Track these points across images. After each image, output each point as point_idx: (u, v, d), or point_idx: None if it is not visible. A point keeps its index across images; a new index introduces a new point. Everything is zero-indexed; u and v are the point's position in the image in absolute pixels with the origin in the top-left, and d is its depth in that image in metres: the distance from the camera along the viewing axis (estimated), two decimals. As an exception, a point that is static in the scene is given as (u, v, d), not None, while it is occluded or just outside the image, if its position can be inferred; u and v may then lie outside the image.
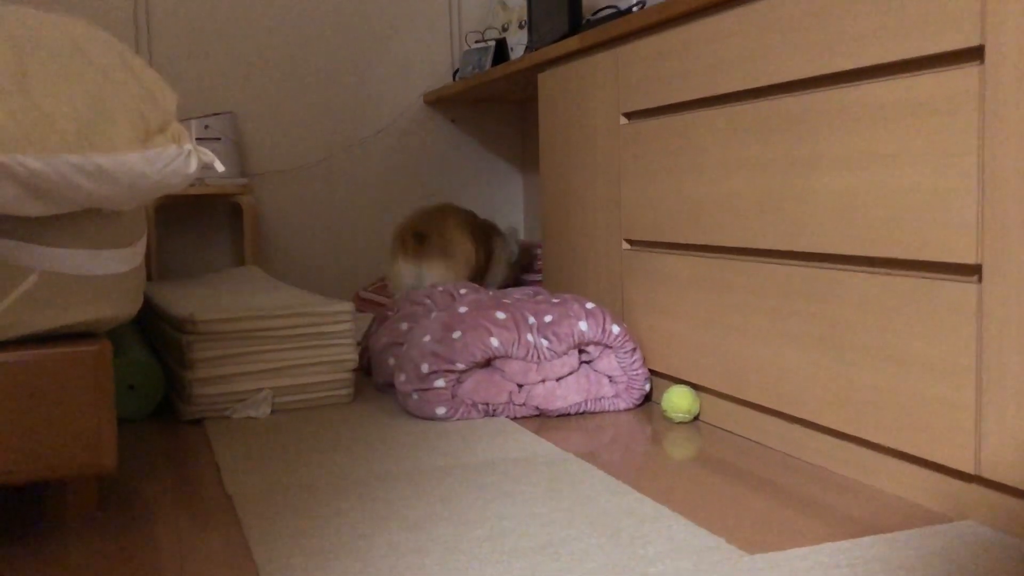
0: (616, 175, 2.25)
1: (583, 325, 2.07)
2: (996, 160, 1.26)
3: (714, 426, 1.96)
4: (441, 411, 2.03)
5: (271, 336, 2.15)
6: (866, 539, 1.30)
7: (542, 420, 2.06)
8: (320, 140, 3.69)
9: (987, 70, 1.26)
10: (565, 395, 2.06)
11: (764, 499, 1.49)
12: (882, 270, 1.48)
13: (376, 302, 3.41)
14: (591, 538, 1.33)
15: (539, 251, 3.48)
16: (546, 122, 2.64)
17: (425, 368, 2.04)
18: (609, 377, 2.12)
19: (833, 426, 1.59)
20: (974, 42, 1.28)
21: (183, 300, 2.38)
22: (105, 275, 1.31)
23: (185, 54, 3.50)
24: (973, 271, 1.32)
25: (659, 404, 2.16)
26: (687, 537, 1.32)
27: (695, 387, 2.03)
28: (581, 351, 2.12)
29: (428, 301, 2.42)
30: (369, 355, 2.50)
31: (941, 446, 1.37)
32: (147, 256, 3.32)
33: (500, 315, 2.08)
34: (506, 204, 3.96)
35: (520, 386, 2.06)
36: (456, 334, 2.05)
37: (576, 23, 2.69)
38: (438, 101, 3.75)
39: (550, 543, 1.31)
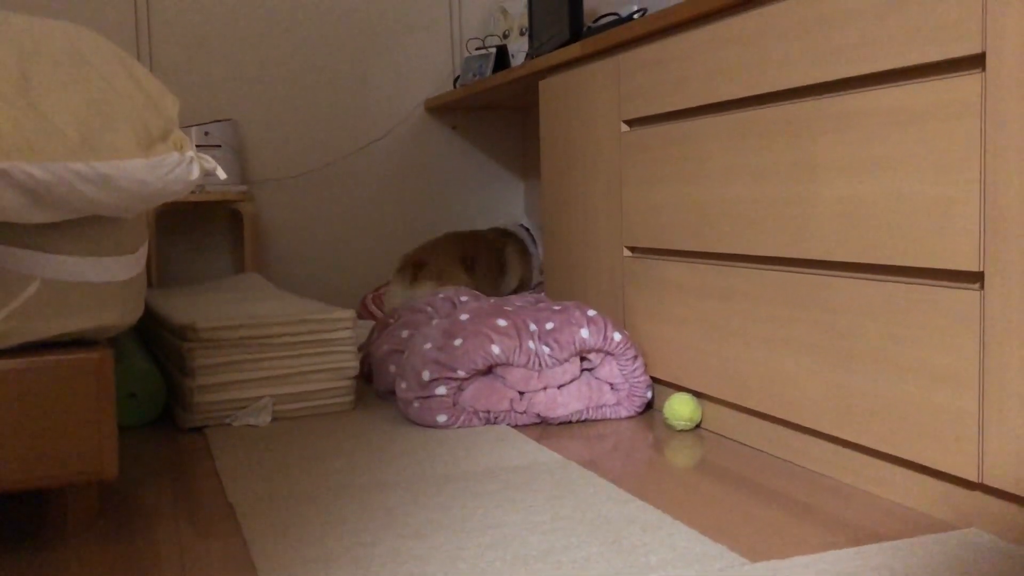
0: (617, 182, 2.25)
1: (584, 332, 2.07)
2: (998, 167, 1.26)
3: (716, 434, 1.96)
4: (442, 419, 2.03)
5: (272, 344, 2.15)
6: (869, 547, 1.30)
7: (543, 428, 2.05)
8: (321, 147, 3.69)
9: (988, 77, 1.26)
10: (566, 403, 2.06)
11: (767, 507, 1.49)
12: (884, 277, 1.48)
13: (375, 314, 3.42)
14: (593, 546, 1.32)
15: None
16: (547, 129, 2.65)
17: (426, 376, 2.03)
18: (611, 384, 2.11)
19: (836, 434, 1.58)
20: (976, 49, 1.28)
21: (184, 307, 2.38)
22: (107, 282, 1.30)
23: (186, 61, 3.50)
24: (975, 278, 1.32)
25: (661, 412, 2.16)
26: (689, 545, 1.32)
27: (697, 395, 2.03)
28: (582, 358, 2.11)
29: (429, 309, 2.42)
30: (370, 362, 2.50)
31: (944, 454, 1.37)
32: (148, 263, 3.32)
33: (501, 322, 2.08)
34: (507, 211, 3.96)
35: (521, 393, 2.06)
36: (457, 341, 2.05)
37: (577, 30, 2.70)
38: (439, 108, 3.76)
39: (552, 551, 1.31)
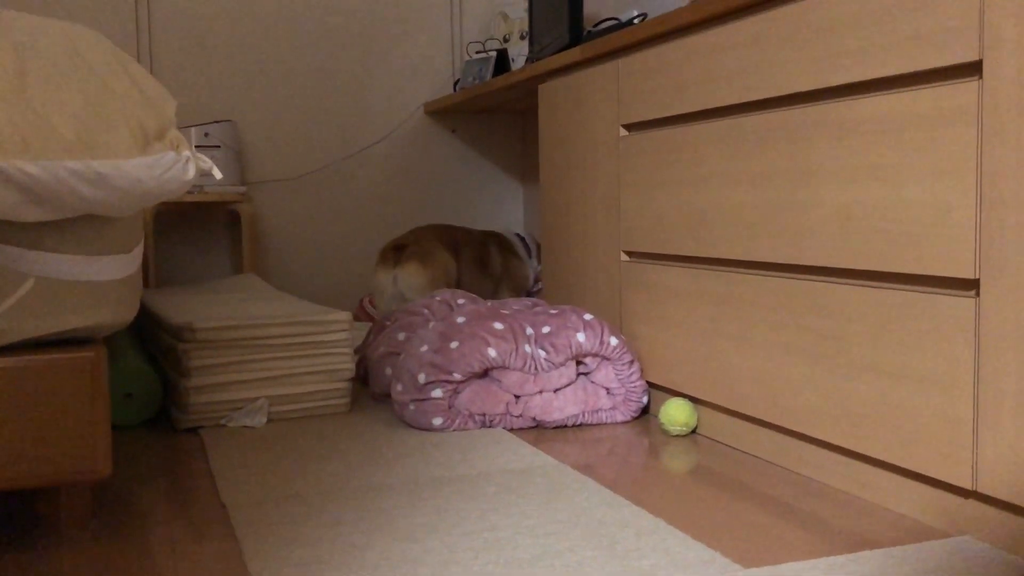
0: (615, 186, 2.25)
1: (581, 337, 2.07)
2: (995, 174, 1.26)
3: (712, 439, 1.95)
4: (438, 421, 2.03)
5: (268, 345, 2.15)
6: (862, 554, 1.29)
7: (539, 431, 2.05)
8: (320, 149, 3.69)
9: (986, 85, 1.26)
10: (562, 407, 2.06)
11: (761, 513, 1.49)
12: (880, 284, 1.48)
13: (372, 316, 3.41)
14: (587, 550, 1.32)
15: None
16: (546, 133, 2.65)
17: (422, 378, 2.03)
18: (607, 389, 2.11)
19: (830, 440, 1.58)
20: (973, 57, 1.28)
21: (181, 308, 2.38)
22: (102, 281, 1.30)
23: (186, 62, 3.50)
24: (971, 285, 1.32)
25: (657, 417, 2.16)
26: (683, 550, 1.31)
27: (693, 400, 2.03)
28: (579, 363, 2.11)
29: (426, 311, 2.42)
30: (366, 364, 2.49)
31: (938, 461, 1.37)
32: (145, 263, 3.32)
33: (498, 326, 2.08)
34: (506, 214, 3.96)
35: (517, 397, 2.06)
36: (454, 344, 2.05)
37: (577, 35, 2.70)
38: (438, 111, 3.76)
39: (545, 555, 1.30)
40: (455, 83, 3.77)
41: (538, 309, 2.22)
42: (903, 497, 1.47)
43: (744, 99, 1.76)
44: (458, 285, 3.19)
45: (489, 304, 2.26)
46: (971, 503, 1.35)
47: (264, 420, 2.12)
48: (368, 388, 2.51)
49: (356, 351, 2.73)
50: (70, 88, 1.18)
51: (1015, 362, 1.24)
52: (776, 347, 1.70)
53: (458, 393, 2.05)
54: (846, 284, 1.53)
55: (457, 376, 2.03)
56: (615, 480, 1.68)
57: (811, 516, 1.47)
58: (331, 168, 3.71)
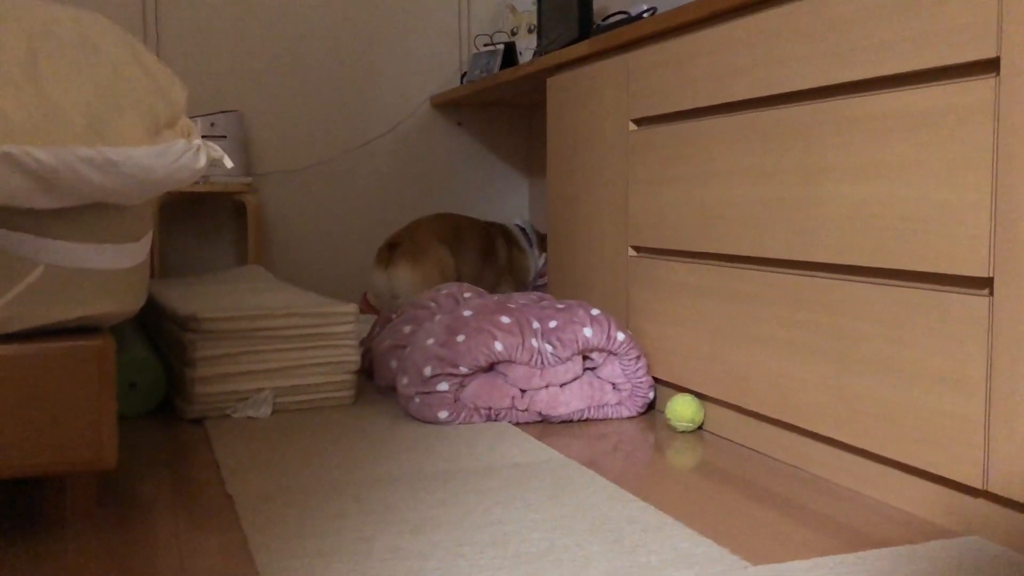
0: (624, 181, 2.25)
1: (587, 331, 2.06)
2: (1010, 173, 1.25)
3: (718, 436, 1.95)
4: (443, 415, 2.02)
5: (274, 336, 2.14)
6: (871, 552, 1.29)
7: (544, 426, 2.04)
8: (326, 141, 3.68)
9: (1002, 82, 1.25)
10: (568, 401, 2.05)
11: (768, 510, 1.48)
12: (892, 281, 1.47)
13: (376, 308, 3.41)
14: (593, 545, 1.31)
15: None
16: (554, 127, 2.64)
17: (428, 371, 2.03)
18: (613, 384, 2.10)
19: (839, 438, 1.57)
20: (990, 54, 1.27)
21: (186, 298, 2.38)
22: (110, 270, 1.30)
23: (193, 51, 3.49)
24: (984, 284, 1.31)
25: (663, 412, 2.15)
26: (690, 547, 1.31)
27: (699, 396, 2.02)
28: (585, 357, 2.10)
29: (432, 304, 2.41)
30: (371, 357, 2.49)
31: (949, 460, 1.36)
32: (151, 253, 3.31)
33: (504, 319, 2.07)
34: (511, 208, 3.95)
35: (523, 391, 2.05)
36: (460, 337, 2.04)
37: (586, 28, 2.69)
38: (445, 104, 3.75)
39: (552, 549, 1.30)
40: (462, 76, 3.76)
41: (545, 303, 2.22)
42: (912, 496, 1.46)
43: (755, 94, 1.75)
44: (458, 277, 3.19)
45: (495, 298, 2.25)
46: (981, 502, 1.34)
47: (269, 411, 2.12)
48: (373, 381, 2.51)
49: (361, 343, 2.72)
50: (81, 75, 1.18)
51: (1028, 362, 1.23)
52: (785, 344, 1.69)
53: (464, 387, 2.05)
54: (857, 281, 1.52)
55: (463, 369, 2.02)
56: (621, 475, 1.67)
57: (819, 514, 1.46)
58: (337, 160, 3.70)
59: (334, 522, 1.42)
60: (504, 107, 3.91)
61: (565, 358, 2.06)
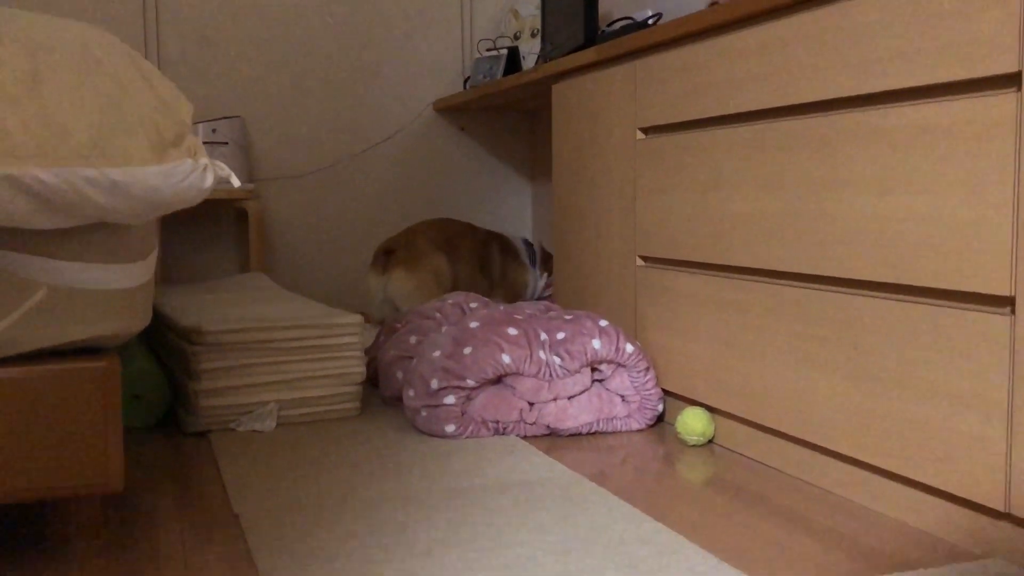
0: (631, 190, 2.22)
1: (596, 343, 2.04)
2: (1033, 190, 1.22)
3: (730, 450, 1.92)
4: (450, 428, 2.00)
5: (278, 348, 2.12)
6: (892, 575, 1.27)
7: (553, 439, 2.02)
8: (328, 146, 3.66)
9: (1025, 97, 1.23)
10: (577, 414, 2.03)
11: (785, 529, 1.46)
12: (910, 298, 1.44)
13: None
14: (609, 569, 1.29)
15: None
16: (560, 134, 2.61)
17: (435, 384, 2.00)
18: (622, 396, 2.08)
19: (856, 455, 1.55)
20: (1012, 68, 1.24)
21: (190, 309, 2.35)
22: (114, 290, 1.27)
23: (194, 57, 3.47)
24: (1006, 303, 1.29)
25: (672, 425, 2.13)
26: (707, 570, 1.28)
27: (710, 409, 1.99)
28: (593, 369, 2.08)
29: (438, 315, 2.38)
30: (376, 366, 2.46)
31: (969, 481, 1.34)
32: (152, 260, 3.28)
33: (512, 331, 2.04)
34: (515, 213, 3.93)
35: (531, 404, 2.03)
36: (467, 350, 2.02)
37: (592, 34, 2.66)
38: (448, 109, 3.72)
39: (567, 573, 1.27)
40: (465, 80, 3.73)
41: (552, 314, 2.19)
42: (932, 516, 1.44)
43: (768, 105, 1.73)
44: (454, 284, 3.14)
45: (502, 308, 2.23)
46: (1003, 525, 1.32)
47: (274, 424, 2.09)
48: (378, 391, 2.48)
49: (365, 352, 2.70)
50: (85, 92, 1.15)
51: (1052, 382, 1.21)
52: (799, 358, 1.67)
53: (471, 400, 2.02)
54: (874, 297, 1.50)
55: (470, 382, 1.99)
56: (633, 492, 1.64)
57: (836, 533, 1.43)
58: (339, 165, 3.68)
59: (344, 544, 1.39)
60: (507, 111, 3.89)
61: (574, 370, 2.04)
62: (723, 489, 1.66)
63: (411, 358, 2.27)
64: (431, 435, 2.02)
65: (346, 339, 2.18)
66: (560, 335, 2.07)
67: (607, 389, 2.08)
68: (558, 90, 2.61)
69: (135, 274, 1.29)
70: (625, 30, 2.46)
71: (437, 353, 2.05)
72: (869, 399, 1.51)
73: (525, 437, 2.03)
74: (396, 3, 3.70)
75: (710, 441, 1.98)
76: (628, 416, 2.07)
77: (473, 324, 2.09)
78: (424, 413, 2.01)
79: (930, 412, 1.39)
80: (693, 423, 1.93)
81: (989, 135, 1.28)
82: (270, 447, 1.94)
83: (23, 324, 1.22)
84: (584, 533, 1.42)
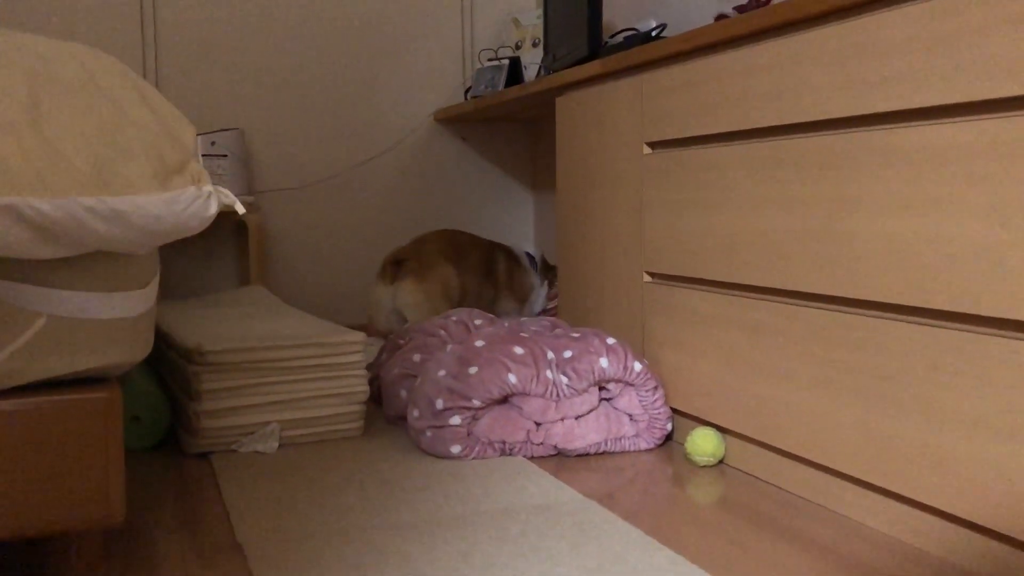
0: (638, 205, 2.19)
1: (604, 361, 2.00)
2: (1059, 214, 1.19)
3: (741, 471, 1.89)
4: (456, 449, 1.96)
5: (281, 367, 2.08)
6: (915, 610, 1.23)
7: (560, 460, 1.99)
8: (329, 158, 3.63)
9: (1050, 119, 1.20)
10: (584, 434, 2.00)
11: (804, 558, 1.42)
12: (929, 321, 1.41)
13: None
14: (624, 604, 1.26)
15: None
16: (564, 147, 2.58)
17: (440, 404, 1.97)
18: (630, 415, 2.05)
19: (873, 481, 1.52)
20: (1036, 89, 1.21)
21: (190, 325, 2.31)
22: (116, 319, 1.24)
23: (192, 69, 3.43)
24: (1030, 328, 1.26)
25: (681, 444, 2.09)
26: (725, 604, 1.25)
27: (719, 429, 1.96)
28: (601, 388, 2.05)
29: (442, 332, 2.35)
30: (379, 384, 2.43)
31: (992, 511, 1.30)
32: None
33: (518, 350, 2.01)
34: (516, 224, 3.90)
35: (538, 424, 1.99)
36: (472, 369, 1.98)
37: (596, 46, 2.63)
38: (449, 119, 3.69)
39: (581, 609, 1.24)
40: (466, 91, 3.70)
41: (559, 331, 2.16)
42: (955, 545, 1.41)
43: (780, 122, 1.70)
44: (462, 295, 3.14)
45: (508, 325, 2.20)
46: (1027, 556, 1.29)
47: (276, 446, 2.06)
48: (381, 408, 2.45)
49: (368, 368, 2.66)
50: (86, 118, 1.12)
51: (1079, 412, 1.18)
52: (813, 380, 1.64)
53: (477, 420, 1.99)
54: (891, 320, 1.47)
55: (476, 402, 1.96)
56: (644, 516, 1.61)
57: (857, 562, 1.40)
58: (340, 177, 3.65)
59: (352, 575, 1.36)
60: (508, 122, 3.86)
61: (581, 390, 2.00)
62: (738, 513, 1.63)
63: (415, 377, 2.23)
64: (436, 456, 1.99)
65: (350, 357, 2.15)
66: (567, 353, 2.03)
67: (615, 408, 2.05)
68: (562, 103, 2.58)
69: (137, 302, 1.25)
70: (630, 42, 2.43)
71: (442, 373, 2.02)
72: (886, 423, 1.48)
73: (532, 458, 2.00)
74: (396, 12, 3.67)
75: (720, 462, 1.95)
76: (636, 436, 2.04)
77: (478, 343, 2.06)
78: (429, 434, 1.98)
79: (949, 439, 1.36)
80: (703, 444, 1.90)
81: (1013, 156, 1.25)
82: (273, 469, 1.91)
83: (23, 355, 1.18)
84: (596, 564, 1.39)
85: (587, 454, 2.02)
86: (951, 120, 1.35)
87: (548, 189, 3.78)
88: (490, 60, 3.62)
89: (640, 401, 2.04)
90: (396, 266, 3.08)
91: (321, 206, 3.62)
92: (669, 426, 2.06)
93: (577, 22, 2.71)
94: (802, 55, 1.63)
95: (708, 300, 1.93)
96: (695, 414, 2.00)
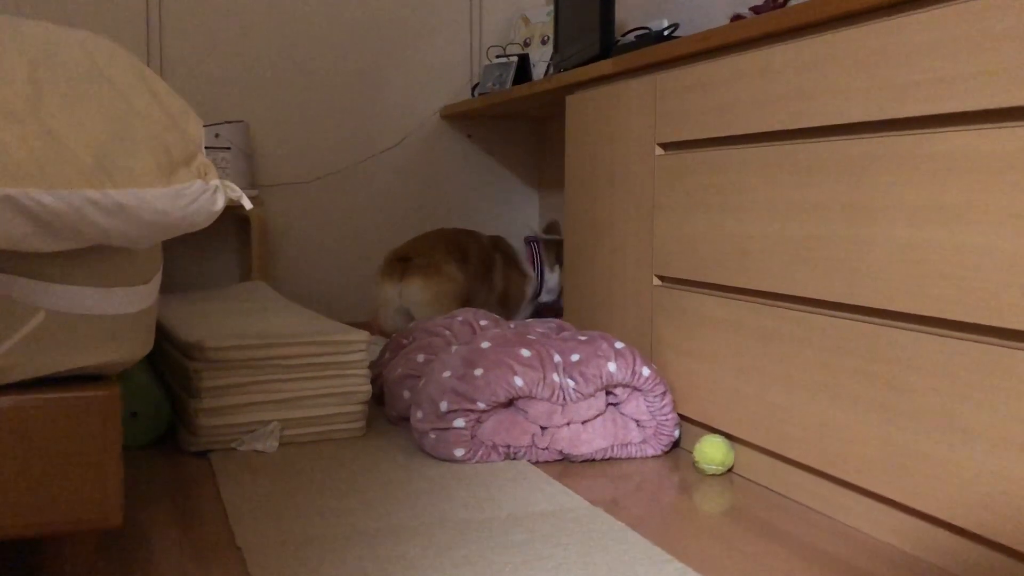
0: (649, 207, 2.15)
1: (612, 366, 1.97)
2: (1090, 226, 1.16)
3: (750, 480, 1.85)
4: (459, 452, 1.93)
5: (283, 365, 2.05)
6: (933, 630, 1.20)
7: (565, 465, 1.95)
8: (333, 152, 3.59)
9: (1083, 128, 1.16)
10: (591, 440, 1.96)
11: (816, 572, 1.39)
12: (950, 332, 1.38)
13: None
14: (634, 618, 1.22)
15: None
16: (574, 147, 2.54)
17: (444, 406, 1.93)
18: (637, 421, 2.01)
19: (885, 493, 1.48)
20: (1068, 96, 1.18)
21: (190, 320, 2.28)
22: (117, 314, 1.20)
23: (197, 60, 3.40)
24: (1056, 343, 1.22)
25: (689, 451, 2.06)
26: (738, 620, 1.22)
27: (728, 437, 1.93)
28: (608, 392, 2.01)
29: (447, 332, 2.32)
30: (382, 384, 2.39)
31: (1008, 527, 1.27)
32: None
33: (525, 353, 1.98)
34: (522, 223, 3.86)
35: (544, 428, 1.96)
36: (478, 371, 1.95)
37: (608, 45, 2.60)
38: (455, 116, 3.66)
39: (590, 622, 1.21)
40: (473, 87, 3.67)
41: (565, 334, 2.12)
42: (975, 563, 1.37)
43: (797, 125, 1.66)
44: (467, 294, 3.11)
45: (514, 327, 2.16)
46: (1049, 576, 1.25)
47: (276, 445, 2.02)
48: (383, 408, 2.41)
49: (370, 367, 2.63)
50: (90, 108, 1.08)
51: (1108, 430, 1.14)
52: (827, 389, 1.60)
53: (481, 423, 1.95)
54: (910, 330, 1.43)
55: (481, 405, 1.93)
56: (652, 526, 1.58)
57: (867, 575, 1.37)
58: (344, 172, 3.61)
59: (352, 583, 1.32)
60: (515, 119, 3.82)
61: (588, 394, 1.97)
62: (747, 524, 1.60)
63: (419, 377, 2.20)
64: (439, 459, 1.95)
65: (353, 356, 2.11)
66: (574, 357, 2.00)
67: (622, 413, 2.01)
68: (572, 102, 2.55)
69: (139, 298, 1.22)
70: (642, 41, 2.40)
71: (447, 374, 1.98)
72: (902, 436, 1.44)
73: (537, 463, 1.96)
74: (405, 7, 3.63)
75: (729, 470, 1.91)
76: (643, 442, 2.01)
77: (484, 344, 2.02)
78: (432, 436, 1.95)
79: (967, 453, 1.33)
80: (712, 452, 1.87)
81: (1042, 166, 1.21)
82: (273, 469, 1.87)
83: (20, 350, 1.15)
84: (606, 574, 1.36)
85: (592, 460, 1.98)
86: (977, 127, 1.31)
87: (554, 188, 3.74)
88: (498, 57, 3.58)
89: (648, 407, 2.00)
90: (403, 263, 3.05)
91: (324, 201, 3.58)
92: (677, 433, 2.02)
93: (589, 20, 2.68)
94: (822, 57, 1.59)
95: (719, 305, 1.90)
96: (704, 421, 1.97)
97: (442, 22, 3.69)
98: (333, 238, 3.60)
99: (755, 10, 2.21)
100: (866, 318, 1.54)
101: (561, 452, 1.96)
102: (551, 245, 3.37)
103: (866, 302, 1.51)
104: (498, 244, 3.33)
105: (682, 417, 2.08)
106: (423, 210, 3.72)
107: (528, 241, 3.36)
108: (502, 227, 3.84)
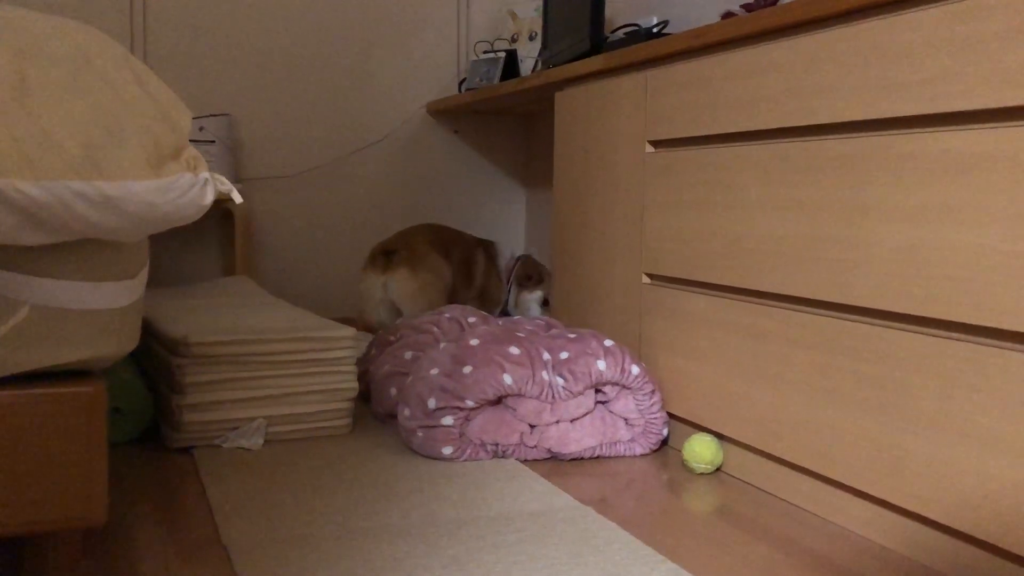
0: (639, 205, 2.14)
1: (601, 364, 1.96)
2: (1088, 227, 1.15)
3: (739, 479, 1.85)
4: (447, 451, 1.91)
5: (269, 361, 2.02)
6: (927, 632, 1.19)
7: (554, 464, 1.94)
8: (318, 146, 3.56)
9: (1082, 128, 1.16)
10: (579, 438, 1.95)
11: (805, 572, 1.38)
12: (944, 333, 1.37)
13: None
14: (627, 619, 1.21)
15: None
16: (563, 144, 2.53)
17: (432, 404, 1.92)
18: (625, 420, 2.00)
19: (879, 495, 1.48)
20: (1067, 97, 1.17)
21: (174, 316, 2.25)
22: (103, 309, 1.18)
23: (182, 52, 3.36)
24: (1052, 344, 1.22)
25: (677, 450, 2.05)
26: (731, 621, 1.21)
27: (718, 436, 1.92)
28: (597, 390, 2.00)
29: (435, 329, 2.30)
30: (368, 380, 2.37)
31: (1006, 531, 1.27)
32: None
33: (514, 350, 1.96)
34: (508, 220, 3.85)
35: (532, 427, 1.95)
36: (467, 369, 1.93)
37: (598, 41, 2.58)
38: (441, 111, 3.63)
39: (582, 624, 1.19)
40: (460, 83, 3.64)
41: (555, 332, 2.11)
42: (969, 565, 1.37)
43: (790, 123, 1.65)
44: (452, 288, 3.12)
45: (502, 324, 2.15)
46: (1042, 578, 1.25)
47: (261, 442, 2.00)
48: (370, 405, 2.39)
49: (356, 363, 2.61)
50: (77, 99, 1.06)
51: (1104, 432, 1.14)
52: (819, 389, 1.59)
53: (469, 421, 1.94)
54: (904, 331, 1.43)
55: (469, 403, 1.91)
56: (642, 525, 1.57)
57: (861, 580, 1.36)
58: (329, 166, 3.58)
59: (341, 583, 1.30)
60: (502, 115, 3.80)
61: (577, 392, 1.96)
62: (737, 524, 1.59)
63: (406, 374, 2.18)
64: (427, 457, 1.93)
65: (340, 353, 2.09)
66: (563, 355, 1.98)
67: (611, 412, 2.00)
68: (561, 98, 2.53)
69: (125, 293, 1.19)
70: (632, 37, 2.38)
71: (435, 371, 1.96)
72: (896, 437, 1.44)
73: (525, 461, 1.95)
74: (390, 1, 3.61)
75: (718, 469, 1.90)
76: (632, 440, 2.00)
77: (473, 341, 2.00)
78: (420, 434, 1.93)
79: (963, 455, 1.32)
80: (701, 451, 1.86)
81: (1039, 167, 1.21)
82: (258, 466, 1.85)
83: (3, 346, 1.12)
84: (597, 574, 1.34)
85: (581, 458, 1.97)
86: (973, 126, 1.31)
87: (541, 185, 3.73)
88: (485, 52, 3.56)
89: (637, 405, 1.99)
90: (386, 256, 3.05)
91: (309, 195, 3.56)
92: (665, 431, 2.01)
93: (579, 16, 2.66)
94: (816, 56, 1.58)
95: (709, 304, 1.89)
96: (692, 419, 1.96)
97: (429, 16, 3.66)
98: (318, 233, 3.57)
99: (747, 8, 2.20)
100: (857, 317, 1.53)
101: (550, 450, 1.95)
102: (529, 270, 3.34)
103: (857, 301, 1.50)
104: (483, 244, 3.33)
105: (671, 416, 2.07)
106: (408, 205, 3.70)
107: (516, 257, 3.36)
108: (488, 223, 3.82)
